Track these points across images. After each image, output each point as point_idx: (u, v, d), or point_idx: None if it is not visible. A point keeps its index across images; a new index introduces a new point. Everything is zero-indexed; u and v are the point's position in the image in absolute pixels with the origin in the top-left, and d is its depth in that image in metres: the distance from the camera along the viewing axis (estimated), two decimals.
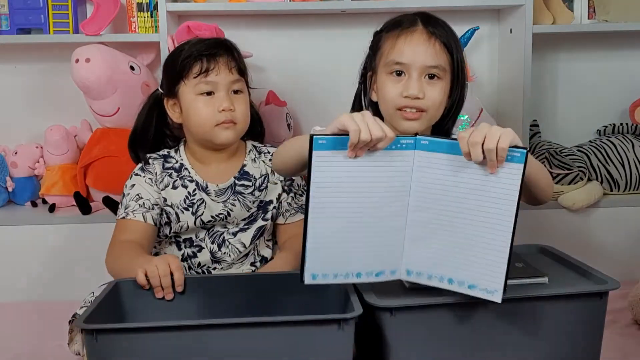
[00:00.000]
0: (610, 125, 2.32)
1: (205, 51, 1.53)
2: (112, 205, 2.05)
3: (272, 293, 1.36)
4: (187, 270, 1.59)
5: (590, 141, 2.29)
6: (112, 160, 2.06)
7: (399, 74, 1.37)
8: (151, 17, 2.08)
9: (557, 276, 1.34)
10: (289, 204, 1.64)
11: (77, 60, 1.98)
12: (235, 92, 1.56)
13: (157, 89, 1.64)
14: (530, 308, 1.23)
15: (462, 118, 2.14)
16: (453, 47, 1.38)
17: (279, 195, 1.63)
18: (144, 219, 1.53)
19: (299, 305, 1.35)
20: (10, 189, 2.19)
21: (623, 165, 2.18)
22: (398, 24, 1.41)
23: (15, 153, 2.21)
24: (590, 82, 2.35)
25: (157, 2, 2.04)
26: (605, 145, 2.22)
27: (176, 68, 1.55)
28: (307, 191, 1.12)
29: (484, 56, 2.31)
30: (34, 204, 2.20)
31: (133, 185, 1.57)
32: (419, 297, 1.24)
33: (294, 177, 1.61)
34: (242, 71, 1.58)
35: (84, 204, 2.09)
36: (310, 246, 1.15)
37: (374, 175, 1.15)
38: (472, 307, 1.21)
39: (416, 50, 1.36)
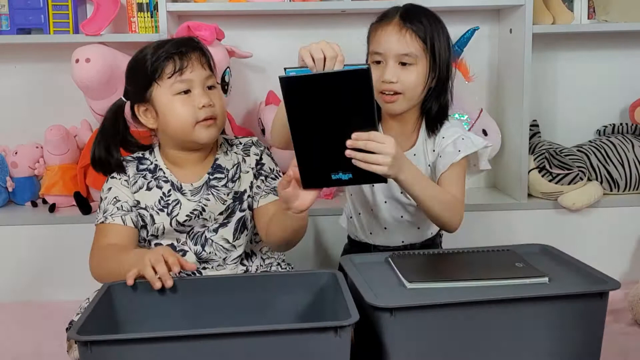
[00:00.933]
0: (610, 125, 2.32)
1: (175, 50, 1.51)
2: None
3: (267, 293, 1.36)
4: (178, 274, 1.55)
5: (590, 141, 2.29)
6: None
7: (379, 62, 1.56)
8: (151, 17, 2.08)
9: (558, 276, 1.34)
10: (259, 187, 1.60)
11: (77, 60, 1.98)
12: (210, 87, 1.54)
13: (120, 99, 1.58)
14: (530, 308, 1.23)
15: (462, 118, 2.15)
16: (427, 35, 1.54)
17: (251, 182, 1.60)
18: (124, 222, 1.51)
19: (294, 305, 1.35)
20: (10, 189, 2.19)
21: (623, 165, 2.18)
22: (383, 16, 1.59)
23: (15, 153, 2.21)
24: (590, 82, 2.35)
25: (157, 2, 2.04)
26: (605, 145, 2.22)
27: (146, 72, 1.51)
28: (289, 116, 1.26)
29: (484, 56, 2.31)
30: (34, 204, 2.20)
31: (110, 188, 1.55)
32: (419, 298, 1.24)
33: (263, 161, 1.62)
34: (212, 67, 1.56)
35: (84, 204, 2.09)
36: (300, 159, 1.29)
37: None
38: (472, 307, 1.21)
39: (389, 40, 1.54)
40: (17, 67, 2.27)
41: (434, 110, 1.60)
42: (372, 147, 1.27)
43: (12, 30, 2.09)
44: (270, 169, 1.62)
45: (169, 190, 1.55)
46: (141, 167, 1.57)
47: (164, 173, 1.57)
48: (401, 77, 1.54)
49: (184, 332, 1.11)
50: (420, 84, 1.55)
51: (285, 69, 1.31)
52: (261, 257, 1.65)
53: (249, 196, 1.60)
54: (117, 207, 1.52)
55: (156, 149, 1.60)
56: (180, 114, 1.49)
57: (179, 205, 1.54)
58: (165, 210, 1.54)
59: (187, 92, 1.50)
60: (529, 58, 2.07)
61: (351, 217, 1.76)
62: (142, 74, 1.52)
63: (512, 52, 2.17)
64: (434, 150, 1.63)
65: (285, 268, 1.67)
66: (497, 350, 1.24)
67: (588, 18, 2.26)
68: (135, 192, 1.55)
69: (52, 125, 2.18)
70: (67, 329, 1.45)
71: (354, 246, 1.78)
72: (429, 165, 1.64)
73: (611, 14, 2.21)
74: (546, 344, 1.25)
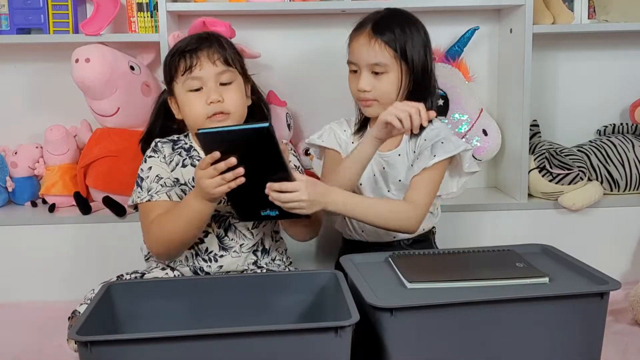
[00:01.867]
0: (610, 125, 2.32)
1: (186, 48, 1.56)
2: (112, 205, 2.04)
3: (267, 293, 1.36)
4: (194, 258, 1.60)
5: (590, 141, 2.29)
6: (112, 160, 2.06)
7: (355, 71, 1.66)
8: (151, 17, 2.07)
9: (558, 276, 1.34)
10: None
11: (77, 60, 1.98)
12: (224, 83, 1.57)
13: (165, 90, 1.69)
14: (531, 308, 1.23)
15: (462, 118, 2.14)
16: (397, 43, 1.60)
17: None
18: (169, 198, 1.55)
19: (294, 305, 1.36)
20: (10, 189, 2.19)
21: (623, 165, 2.18)
22: (359, 25, 1.67)
23: (15, 153, 2.21)
24: (590, 82, 2.35)
25: (157, 2, 2.03)
26: (605, 145, 2.22)
27: (167, 69, 1.61)
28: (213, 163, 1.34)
29: (484, 56, 2.30)
30: (34, 204, 2.20)
31: (150, 167, 1.60)
32: (419, 298, 1.24)
33: (290, 159, 1.61)
34: (230, 61, 1.58)
35: (84, 204, 2.08)
36: (230, 196, 1.40)
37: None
38: (472, 307, 1.21)
39: (360, 50, 1.63)
40: (17, 67, 2.27)
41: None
42: (284, 198, 1.36)
43: (12, 30, 2.09)
44: (295, 166, 1.67)
45: None
46: (176, 147, 1.64)
47: (198, 153, 1.63)
48: (375, 85, 1.62)
49: (184, 332, 1.11)
50: (394, 90, 1.63)
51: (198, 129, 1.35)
52: (272, 257, 1.66)
53: None
54: (161, 185, 1.57)
55: (190, 133, 1.67)
56: (193, 109, 1.56)
57: None
58: None
59: (200, 88, 1.56)
60: (529, 58, 2.07)
61: (344, 218, 1.77)
62: (166, 71, 1.62)
63: (512, 52, 2.17)
64: (414, 152, 1.66)
65: (287, 269, 1.68)
66: (497, 350, 1.24)
67: (588, 18, 2.26)
68: (172, 170, 1.60)
69: (52, 125, 2.17)
70: (69, 318, 1.45)
71: (348, 245, 1.80)
72: (412, 166, 1.67)
73: (611, 14, 2.21)
74: (546, 344, 1.25)
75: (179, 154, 1.62)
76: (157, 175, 1.58)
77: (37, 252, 2.04)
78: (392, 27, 1.62)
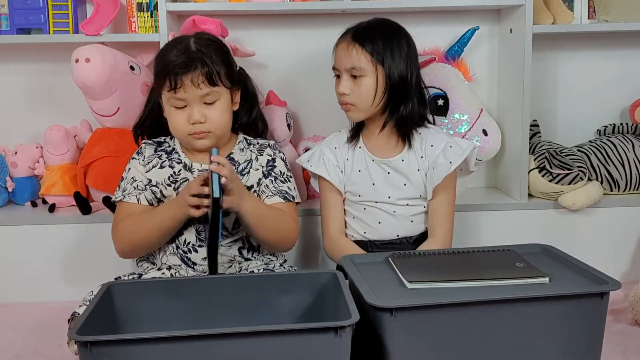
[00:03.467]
0: (610, 125, 2.32)
1: (172, 70, 1.57)
2: (112, 205, 2.04)
3: (267, 293, 1.36)
4: (176, 250, 1.64)
5: (590, 141, 2.29)
6: (112, 160, 2.06)
7: (338, 76, 1.73)
8: (151, 17, 2.07)
9: (558, 276, 1.34)
10: (267, 186, 1.68)
11: (77, 60, 1.98)
12: (208, 103, 1.60)
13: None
14: (531, 308, 1.23)
15: (462, 118, 2.14)
16: (375, 50, 1.67)
17: (259, 179, 1.68)
18: (138, 201, 1.64)
19: (294, 305, 1.36)
20: (10, 189, 2.19)
21: (623, 165, 2.18)
22: (343, 34, 1.75)
23: (15, 153, 2.21)
24: (590, 82, 2.35)
25: (157, 2, 2.03)
26: (605, 145, 2.22)
27: (156, 75, 1.64)
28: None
29: (484, 56, 2.30)
30: (34, 204, 2.20)
31: (129, 168, 1.70)
32: (420, 298, 1.24)
33: (276, 164, 1.72)
34: (214, 80, 1.59)
35: (84, 204, 2.08)
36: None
37: None
38: (472, 307, 1.21)
39: (340, 55, 1.72)
40: (17, 67, 2.27)
41: (399, 119, 1.72)
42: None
43: (12, 30, 2.09)
44: (281, 171, 1.71)
45: (180, 170, 1.66)
46: (159, 149, 1.71)
47: (179, 155, 1.68)
48: (353, 89, 1.69)
49: (184, 332, 1.11)
50: (370, 95, 1.69)
51: None
52: (263, 256, 1.67)
53: (254, 191, 1.67)
54: (134, 187, 1.65)
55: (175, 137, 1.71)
56: (175, 124, 1.62)
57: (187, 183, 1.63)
58: (173, 185, 1.64)
59: (184, 106, 1.60)
60: (529, 58, 2.07)
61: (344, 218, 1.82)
62: (155, 74, 1.66)
63: (512, 52, 2.17)
64: (422, 157, 1.70)
65: (287, 269, 1.69)
66: (497, 350, 1.24)
67: (588, 18, 2.26)
68: (147, 171, 1.66)
69: (52, 125, 2.17)
70: (69, 320, 1.46)
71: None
72: (418, 170, 1.74)
73: (611, 14, 2.21)
74: (546, 344, 1.25)
75: (159, 157, 1.69)
76: (132, 177, 1.68)
77: (37, 252, 2.04)
78: (373, 35, 1.69)
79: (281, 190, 1.67)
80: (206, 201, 1.48)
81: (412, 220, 1.75)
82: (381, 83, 1.68)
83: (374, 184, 1.75)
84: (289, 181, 1.71)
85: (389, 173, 1.75)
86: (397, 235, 1.75)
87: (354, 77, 1.69)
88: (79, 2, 2.15)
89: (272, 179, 1.68)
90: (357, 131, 1.81)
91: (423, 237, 1.77)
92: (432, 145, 1.73)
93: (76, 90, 2.05)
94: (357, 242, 1.77)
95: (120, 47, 2.11)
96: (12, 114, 2.28)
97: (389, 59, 1.68)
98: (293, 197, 1.69)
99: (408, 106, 1.71)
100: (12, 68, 2.27)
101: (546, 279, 1.31)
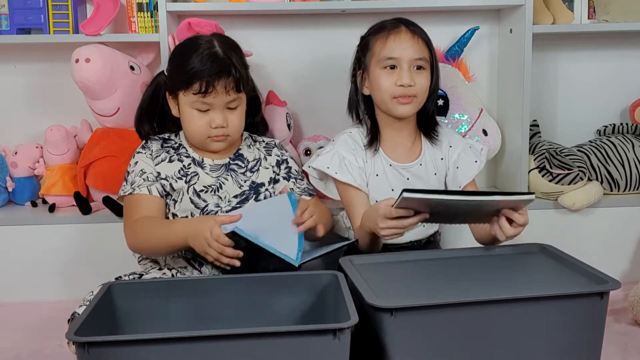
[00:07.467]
0: (610, 125, 2.32)
1: (207, 73, 1.56)
2: (112, 205, 2.04)
3: (267, 294, 1.36)
4: (183, 252, 1.62)
5: (590, 141, 2.29)
6: (112, 160, 2.06)
7: (393, 67, 1.65)
8: (151, 17, 2.07)
9: (558, 276, 1.34)
10: (292, 189, 1.72)
11: (77, 60, 1.98)
12: (231, 108, 1.62)
13: (163, 72, 1.70)
14: (531, 308, 1.23)
15: (462, 118, 2.14)
16: (431, 43, 1.68)
17: (271, 179, 1.71)
18: (149, 192, 1.62)
19: (294, 306, 1.35)
20: (10, 189, 2.19)
21: (623, 165, 2.18)
22: (383, 27, 1.69)
23: (15, 153, 2.21)
24: (590, 82, 2.35)
25: (157, 2, 2.03)
26: (605, 145, 2.22)
27: (181, 75, 1.60)
28: None
29: (484, 56, 2.30)
30: (34, 204, 2.20)
31: (136, 162, 1.67)
32: (420, 298, 1.24)
33: (290, 165, 1.74)
34: (241, 87, 1.61)
35: (84, 204, 2.08)
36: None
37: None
38: (472, 307, 1.21)
39: (404, 47, 1.65)
40: (17, 67, 2.27)
41: (429, 114, 1.72)
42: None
43: (12, 30, 2.09)
44: (296, 170, 1.76)
45: (189, 164, 1.66)
46: (165, 144, 1.70)
47: (187, 151, 1.68)
48: (416, 80, 1.64)
49: (183, 333, 1.11)
50: (427, 88, 1.68)
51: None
52: None
53: (266, 189, 1.70)
54: (144, 179, 1.63)
55: (182, 133, 1.71)
56: (196, 126, 1.62)
57: (197, 177, 1.65)
58: (184, 178, 1.64)
59: (207, 110, 1.60)
60: (529, 58, 2.07)
61: (351, 229, 1.76)
62: (178, 74, 1.61)
63: (512, 52, 2.17)
64: (442, 159, 1.69)
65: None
66: (497, 350, 1.24)
67: (588, 18, 2.26)
68: (157, 165, 1.65)
69: (52, 125, 2.17)
70: (69, 320, 1.46)
71: (357, 250, 1.78)
72: (435, 174, 1.73)
73: (611, 14, 2.21)
74: (546, 344, 1.25)
75: (167, 152, 1.68)
76: (141, 170, 1.65)
77: (37, 252, 2.04)
78: (422, 30, 1.69)
79: (305, 188, 1.74)
80: (225, 259, 1.44)
81: (424, 225, 1.73)
82: (433, 77, 1.69)
83: (392, 190, 1.70)
84: (305, 177, 1.79)
85: (408, 179, 1.71)
86: (410, 240, 1.74)
87: (418, 67, 1.66)
88: (79, 2, 2.15)
89: (294, 180, 1.74)
90: (374, 134, 1.73)
91: (431, 240, 1.76)
92: (450, 147, 1.74)
93: (76, 90, 2.05)
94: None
95: (120, 47, 2.11)
96: (12, 114, 2.28)
97: (434, 54, 1.70)
98: (313, 191, 1.77)
99: (436, 94, 1.73)
100: (12, 68, 2.27)
101: (532, 196, 1.40)
